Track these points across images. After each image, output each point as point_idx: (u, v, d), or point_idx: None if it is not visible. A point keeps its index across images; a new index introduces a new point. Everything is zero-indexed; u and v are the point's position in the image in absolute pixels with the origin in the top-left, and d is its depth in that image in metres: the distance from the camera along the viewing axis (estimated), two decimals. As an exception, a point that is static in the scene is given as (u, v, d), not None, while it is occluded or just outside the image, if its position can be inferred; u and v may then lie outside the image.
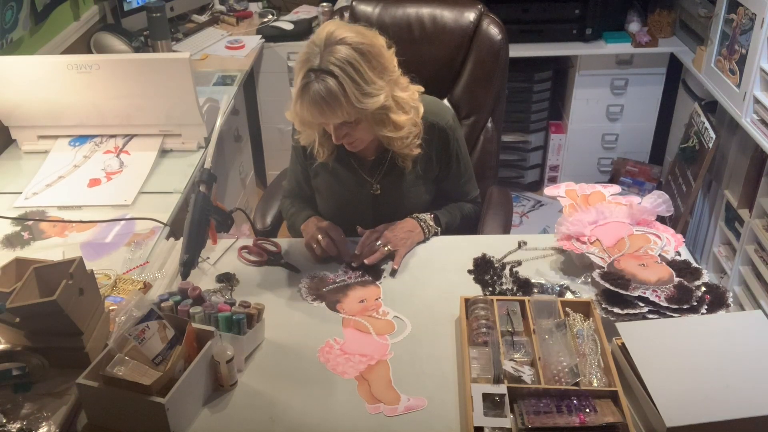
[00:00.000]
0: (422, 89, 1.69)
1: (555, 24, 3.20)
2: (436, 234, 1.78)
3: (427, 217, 1.78)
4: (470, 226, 1.93)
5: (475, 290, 1.59)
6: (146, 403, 1.20)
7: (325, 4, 3.24)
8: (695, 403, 1.20)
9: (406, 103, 1.63)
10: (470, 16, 2.03)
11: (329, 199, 1.83)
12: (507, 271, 1.64)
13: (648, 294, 1.43)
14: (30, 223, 1.88)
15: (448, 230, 1.82)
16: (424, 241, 1.75)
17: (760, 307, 2.45)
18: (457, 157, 1.81)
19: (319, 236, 1.66)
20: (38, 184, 2.04)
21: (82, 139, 2.22)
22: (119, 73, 2.08)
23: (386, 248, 1.67)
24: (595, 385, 1.28)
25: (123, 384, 1.21)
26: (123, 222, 1.87)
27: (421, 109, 1.68)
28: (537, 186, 3.64)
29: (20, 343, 1.35)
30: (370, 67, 1.52)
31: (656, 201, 1.70)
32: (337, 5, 3.29)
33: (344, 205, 1.81)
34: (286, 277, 1.66)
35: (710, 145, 2.72)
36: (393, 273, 1.66)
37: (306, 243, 1.70)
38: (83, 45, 2.74)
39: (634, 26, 3.23)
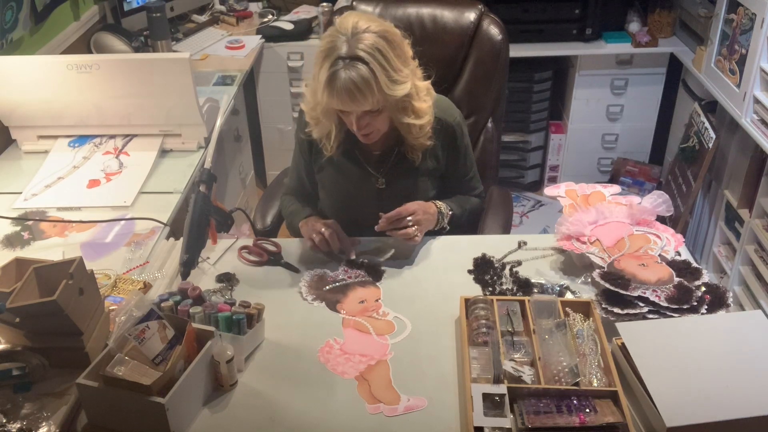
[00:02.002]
0: (428, 83, 1.71)
1: (555, 24, 3.20)
2: (443, 228, 1.78)
3: (446, 210, 1.78)
4: (473, 222, 1.93)
5: (475, 290, 1.59)
6: (146, 403, 1.20)
7: (325, 4, 3.24)
8: (695, 403, 1.20)
9: (423, 92, 1.66)
10: (470, 16, 2.03)
11: (334, 193, 1.84)
12: (507, 271, 1.64)
13: (648, 294, 1.43)
14: (30, 223, 1.88)
15: (454, 223, 1.82)
16: (431, 235, 1.75)
17: (760, 307, 2.45)
18: (464, 154, 1.82)
19: (323, 228, 1.67)
20: (37, 185, 2.04)
21: (82, 140, 2.22)
22: (119, 73, 2.08)
23: (413, 229, 1.66)
24: (595, 385, 1.28)
25: (123, 384, 1.21)
26: (123, 222, 1.87)
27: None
28: (537, 186, 3.64)
29: (20, 343, 1.35)
30: (396, 54, 1.55)
31: (656, 201, 1.70)
32: (337, 5, 3.29)
33: (349, 199, 1.82)
34: (286, 277, 1.66)
35: (710, 145, 2.72)
36: (400, 256, 1.67)
37: (307, 236, 1.70)
38: (83, 45, 2.73)
39: (634, 26, 3.23)
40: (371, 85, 1.51)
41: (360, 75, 1.49)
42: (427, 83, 1.69)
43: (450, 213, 1.79)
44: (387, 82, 1.53)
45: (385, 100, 1.56)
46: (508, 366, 1.29)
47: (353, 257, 1.68)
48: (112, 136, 2.22)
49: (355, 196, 1.81)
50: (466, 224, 1.88)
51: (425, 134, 1.70)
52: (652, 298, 1.42)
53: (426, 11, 2.06)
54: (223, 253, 1.73)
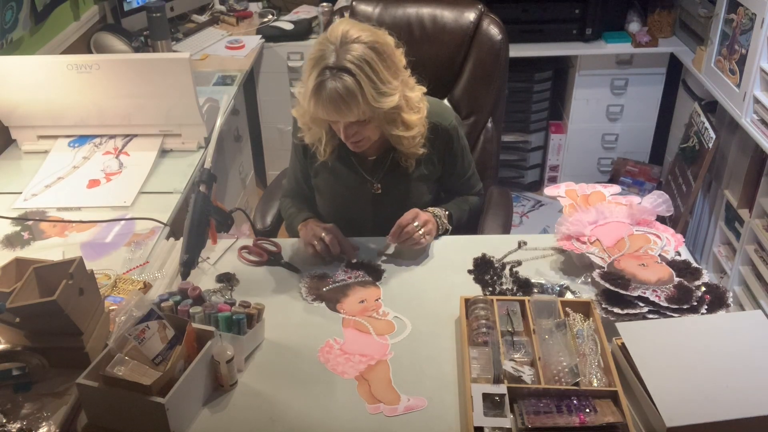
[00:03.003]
0: (424, 90, 1.69)
1: (555, 24, 3.20)
2: (446, 232, 1.78)
3: (442, 213, 1.77)
4: (474, 221, 1.93)
5: (475, 290, 1.59)
6: (146, 403, 1.20)
7: (325, 4, 3.24)
8: (695, 403, 1.20)
9: (415, 103, 1.64)
10: (470, 16, 2.03)
11: (329, 198, 1.83)
12: (507, 271, 1.64)
13: (648, 294, 1.43)
14: (30, 223, 1.88)
15: (457, 225, 1.82)
16: (436, 237, 1.75)
17: (760, 307, 2.45)
18: (461, 156, 1.82)
19: (323, 234, 1.66)
20: (37, 185, 2.04)
21: (82, 140, 2.22)
22: (119, 73, 2.08)
23: (421, 231, 1.66)
24: (595, 385, 1.28)
25: (123, 384, 1.21)
26: (123, 222, 1.87)
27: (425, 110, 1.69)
28: (537, 186, 3.64)
29: (20, 343, 1.35)
30: (385, 66, 1.53)
31: (656, 201, 1.70)
32: (337, 5, 3.29)
33: (344, 204, 1.82)
34: (286, 277, 1.66)
35: (710, 145, 2.73)
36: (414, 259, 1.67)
37: (307, 242, 1.69)
38: (83, 45, 2.74)
39: (634, 26, 3.23)
40: (356, 97, 1.49)
41: (345, 86, 1.48)
42: (420, 93, 1.66)
43: (447, 213, 1.78)
44: (374, 94, 1.51)
45: (372, 111, 1.54)
46: (508, 366, 1.29)
47: (354, 261, 1.68)
48: (112, 136, 2.22)
49: (350, 200, 1.81)
50: (466, 224, 1.87)
51: (416, 144, 1.68)
52: (652, 298, 1.42)
53: (426, 11, 2.06)
54: (223, 253, 1.73)
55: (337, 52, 1.49)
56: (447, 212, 1.79)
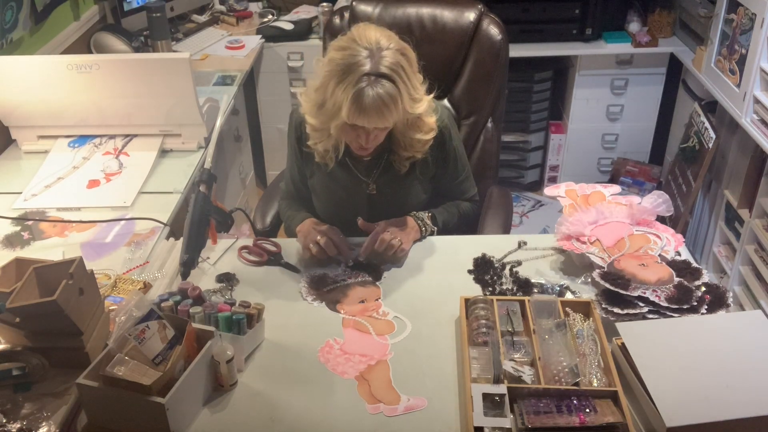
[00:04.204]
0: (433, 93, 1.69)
1: (555, 24, 3.20)
2: (432, 233, 1.78)
3: (425, 215, 1.78)
4: (469, 225, 1.93)
5: (475, 290, 1.59)
6: (146, 403, 1.20)
7: (325, 4, 3.24)
8: (695, 403, 1.20)
9: (430, 106, 1.65)
10: (470, 16, 2.03)
11: (325, 198, 1.83)
12: (507, 271, 1.64)
13: (648, 294, 1.43)
14: (30, 223, 1.88)
15: (445, 229, 1.82)
16: (420, 239, 1.75)
17: (760, 307, 2.45)
18: (454, 157, 1.81)
19: (318, 237, 1.66)
20: (37, 186, 2.04)
21: (81, 140, 2.22)
22: (119, 73, 2.08)
23: (397, 240, 1.66)
24: (595, 385, 1.28)
25: (123, 384, 1.21)
26: (123, 222, 1.87)
27: None
28: (537, 186, 3.64)
29: (20, 343, 1.35)
30: (413, 72, 1.55)
31: (656, 201, 1.70)
32: (337, 5, 3.29)
33: (340, 204, 1.81)
34: (286, 277, 1.66)
35: (710, 145, 2.73)
36: (397, 264, 1.67)
37: (304, 245, 1.69)
38: (83, 45, 2.74)
39: (634, 26, 3.23)
40: (398, 103, 1.50)
41: (387, 92, 1.47)
42: (430, 97, 1.66)
43: (429, 215, 1.78)
44: (409, 101, 1.53)
45: (405, 115, 1.55)
46: (508, 366, 1.29)
47: (351, 264, 1.67)
48: (112, 136, 2.22)
49: (346, 201, 1.80)
50: (457, 229, 1.87)
51: (425, 149, 1.69)
52: (652, 298, 1.42)
53: (426, 11, 2.06)
54: (223, 253, 1.73)
55: (372, 58, 1.48)
56: (429, 213, 1.79)
